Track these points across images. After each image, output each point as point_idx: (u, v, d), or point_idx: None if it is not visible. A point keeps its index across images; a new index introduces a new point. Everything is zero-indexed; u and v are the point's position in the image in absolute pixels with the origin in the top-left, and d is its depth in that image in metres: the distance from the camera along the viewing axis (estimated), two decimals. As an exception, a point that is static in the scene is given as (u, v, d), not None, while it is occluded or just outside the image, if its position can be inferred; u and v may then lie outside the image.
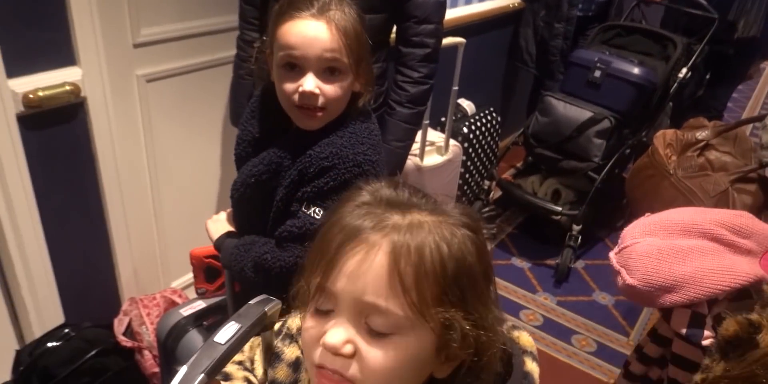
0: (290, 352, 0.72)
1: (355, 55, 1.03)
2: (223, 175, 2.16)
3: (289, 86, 1.05)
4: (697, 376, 0.77)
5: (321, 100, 1.04)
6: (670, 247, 0.84)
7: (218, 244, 1.28)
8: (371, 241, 0.54)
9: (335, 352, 0.54)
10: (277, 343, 0.74)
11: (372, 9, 1.55)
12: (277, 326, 0.75)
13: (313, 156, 1.07)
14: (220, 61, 1.94)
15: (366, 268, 0.53)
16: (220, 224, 1.32)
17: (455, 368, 0.58)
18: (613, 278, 0.87)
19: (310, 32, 1.00)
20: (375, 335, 0.54)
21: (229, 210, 1.36)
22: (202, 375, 0.58)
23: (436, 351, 0.55)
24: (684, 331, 0.85)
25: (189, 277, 2.12)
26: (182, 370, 0.59)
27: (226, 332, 0.61)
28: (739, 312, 0.75)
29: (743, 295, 0.85)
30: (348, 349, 0.54)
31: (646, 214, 0.91)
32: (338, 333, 0.54)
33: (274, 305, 0.67)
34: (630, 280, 0.83)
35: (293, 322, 0.75)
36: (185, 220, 2.04)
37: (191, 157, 2.00)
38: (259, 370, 0.77)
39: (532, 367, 0.62)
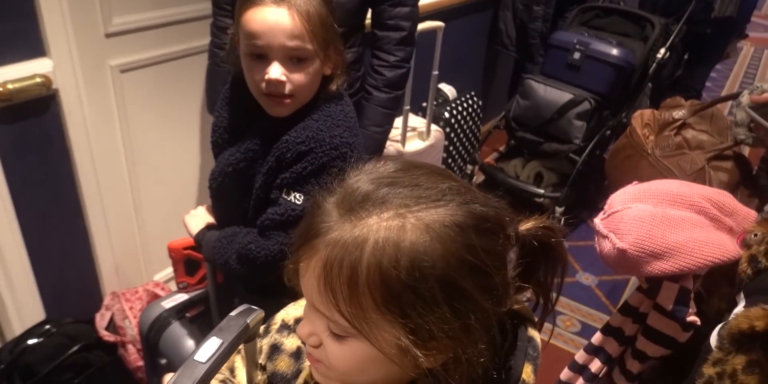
0: (290, 342, 0.72)
1: (320, 40, 1.02)
2: (202, 164, 2.13)
3: (256, 75, 1.04)
4: (710, 370, 0.75)
5: (288, 88, 1.03)
6: (663, 215, 0.82)
7: (199, 238, 1.26)
8: (314, 249, 0.53)
9: (305, 342, 0.58)
10: (274, 335, 0.73)
11: (346, -8, 1.53)
12: (271, 320, 0.75)
13: (290, 141, 1.06)
14: (196, 49, 1.90)
15: (309, 277, 0.54)
16: (198, 218, 1.31)
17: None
18: (598, 244, 0.84)
19: (270, 20, 0.99)
20: (334, 334, 0.55)
21: (207, 205, 1.35)
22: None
23: (400, 352, 0.53)
24: (670, 307, 0.84)
25: (171, 269, 2.10)
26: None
27: (207, 349, 0.59)
28: (753, 301, 0.74)
29: (714, 274, 0.85)
30: (313, 341, 0.57)
31: (634, 183, 0.89)
32: (304, 326, 0.58)
33: (256, 315, 0.64)
34: (621, 244, 0.79)
35: (288, 313, 0.75)
36: (166, 212, 2.02)
37: (169, 147, 1.97)
38: (241, 375, 0.76)
39: (533, 333, 0.62)
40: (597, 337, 0.96)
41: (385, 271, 0.50)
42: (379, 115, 1.73)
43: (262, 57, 1.02)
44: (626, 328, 0.91)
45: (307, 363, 0.69)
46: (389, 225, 0.51)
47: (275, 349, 0.72)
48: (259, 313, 0.65)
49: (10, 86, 1.43)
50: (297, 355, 0.71)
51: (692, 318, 0.85)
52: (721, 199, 0.87)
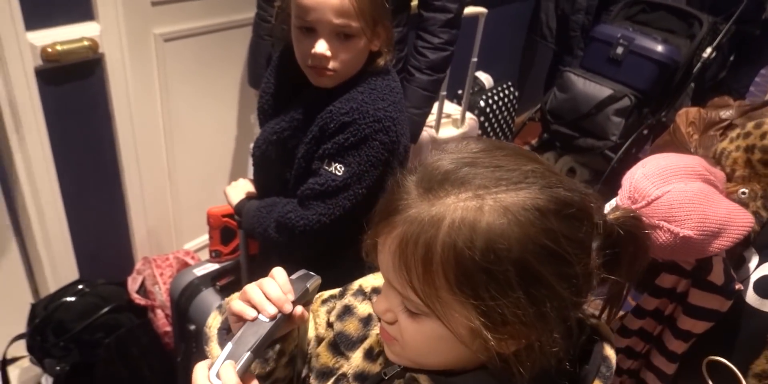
0: (363, 308, 0.73)
1: (368, 18, 1.03)
2: (238, 137, 2.15)
3: (303, 48, 1.06)
4: None
5: (332, 63, 1.06)
6: (701, 191, 0.79)
7: (239, 207, 1.28)
8: (392, 225, 0.53)
9: (381, 317, 0.59)
10: (349, 297, 0.74)
11: (394, -28, 1.52)
12: (349, 286, 0.76)
13: (334, 112, 1.07)
14: (239, 22, 1.91)
15: (385, 253, 0.54)
16: (239, 189, 1.32)
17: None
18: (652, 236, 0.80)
19: None
20: (409, 311, 0.56)
21: (248, 177, 1.36)
22: (249, 353, 0.57)
23: (473, 340, 0.53)
24: (722, 281, 0.83)
25: (202, 239, 2.13)
26: (228, 347, 0.57)
27: (270, 309, 0.60)
28: None
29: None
30: (389, 317, 0.58)
31: (640, 164, 0.85)
32: (380, 302, 0.59)
33: (315, 281, 0.66)
34: (685, 231, 0.76)
35: (366, 281, 0.76)
36: (199, 183, 2.04)
37: (207, 118, 1.99)
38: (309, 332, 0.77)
39: (610, 352, 0.60)
40: (632, 321, 0.94)
41: (459, 251, 0.49)
42: (420, 98, 1.72)
43: (311, 31, 1.04)
44: (664, 308, 0.90)
45: (374, 330, 0.70)
46: (466, 205, 0.50)
47: (347, 311, 0.73)
48: (317, 280, 0.66)
49: (59, 48, 1.45)
50: (367, 320, 0.72)
51: (738, 286, 0.85)
52: (706, 164, 0.86)
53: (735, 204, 0.83)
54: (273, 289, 0.62)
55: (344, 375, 0.69)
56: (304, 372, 0.76)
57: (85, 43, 1.50)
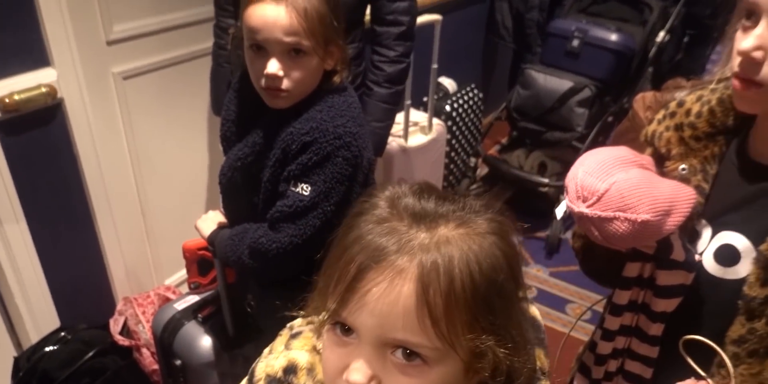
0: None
1: (318, 37, 1.05)
2: (210, 166, 2.15)
3: (256, 69, 1.07)
4: (757, 290, 0.78)
5: (285, 83, 1.07)
6: (641, 175, 0.81)
7: (211, 239, 1.29)
8: (397, 267, 0.49)
9: None
10: None
11: (343, -12, 1.54)
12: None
13: (294, 133, 1.09)
14: (198, 53, 1.92)
15: (392, 301, 0.48)
16: (209, 221, 1.33)
17: None
18: (601, 230, 0.80)
19: (269, 16, 1.02)
20: (401, 367, 0.50)
21: (218, 209, 1.37)
22: None
23: (464, 377, 0.53)
24: (684, 256, 0.84)
25: (182, 273, 2.11)
26: None
27: None
28: None
29: None
30: None
31: (577, 163, 0.85)
32: (362, 370, 0.51)
33: None
34: (642, 216, 0.77)
35: (269, 365, 0.65)
36: (174, 216, 2.03)
37: (175, 151, 1.99)
38: None
39: (533, 311, 0.63)
40: (611, 322, 0.96)
41: (475, 277, 0.49)
42: (381, 111, 1.73)
43: (262, 50, 1.06)
44: (636, 297, 0.92)
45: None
46: (460, 232, 0.51)
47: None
48: None
49: (16, 97, 1.44)
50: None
51: (698, 258, 0.87)
52: (633, 151, 0.88)
53: (674, 181, 0.85)
54: None
55: None
56: None
57: (43, 89, 1.49)
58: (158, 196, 1.96)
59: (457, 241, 0.50)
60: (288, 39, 1.03)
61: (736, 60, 0.77)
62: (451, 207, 0.53)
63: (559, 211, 1.05)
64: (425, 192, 0.55)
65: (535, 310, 0.63)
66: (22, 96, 1.45)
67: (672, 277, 0.86)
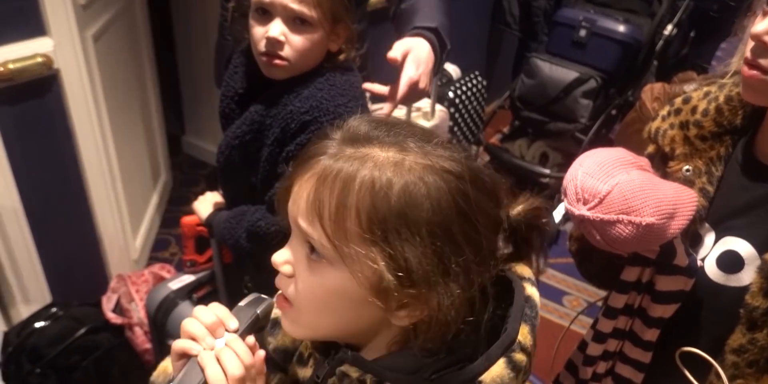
0: None
1: (326, 10, 1.01)
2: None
3: (258, 32, 1.04)
4: (759, 300, 0.75)
5: (286, 50, 1.03)
6: (643, 177, 0.79)
7: (209, 221, 1.26)
8: (310, 166, 0.54)
9: (279, 269, 0.58)
10: (276, 311, 0.70)
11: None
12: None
13: (294, 111, 1.06)
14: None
15: (299, 193, 0.54)
16: (206, 203, 1.31)
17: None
18: (604, 233, 0.77)
19: None
20: (308, 261, 0.55)
21: (216, 191, 1.34)
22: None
23: (374, 294, 0.52)
24: (686, 261, 0.82)
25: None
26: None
27: (218, 342, 0.58)
28: None
29: None
30: (286, 269, 0.57)
31: (577, 164, 0.83)
32: (282, 253, 0.58)
33: (267, 305, 0.62)
34: (647, 219, 0.74)
35: None
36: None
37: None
38: None
39: (531, 291, 0.60)
40: (605, 324, 0.93)
41: (377, 191, 0.50)
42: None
43: (266, 13, 1.02)
44: (633, 302, 0.89)
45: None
46: (390, 155, 0.52)
47: (277, 324, 0.71)
48: (269, 303, 0.63)
49: (11, 66, 1.41)
50: None
51: (700, 263, 0.84)
52: (631, 153, 0.85)
53: (676, 183, 0.83)
54: (208, 317, 0.59)
55: None
56: None
57: (39, 59, 1.46)
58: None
59: (382, 161, 0.52)
60: (295, 5, 0.99)
61: (749, 45, 0.74)
62: (414, 135, 0.54)
63: (557, 214, 1.02)
64: (390, 124, 0.56)
65: (532, 290, 0.61)
66: (17, 65, 1.42)
67: (672, 282, 0.83)
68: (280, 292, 0.59)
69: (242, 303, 0.62)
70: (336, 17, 1.04)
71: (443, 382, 0.55)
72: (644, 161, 0.86)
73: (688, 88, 1.68)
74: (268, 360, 0.69)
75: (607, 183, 0.76)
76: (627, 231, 0.75)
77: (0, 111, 1.45)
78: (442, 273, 0.52)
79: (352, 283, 0.52)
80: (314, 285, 0.55)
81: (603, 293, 0.98)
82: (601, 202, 0.76)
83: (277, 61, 1.04)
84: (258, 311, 0.61)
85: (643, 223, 0.75)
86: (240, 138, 1.14)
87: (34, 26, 1.46)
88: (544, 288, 2.36)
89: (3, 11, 1.39)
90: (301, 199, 0.54)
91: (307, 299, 0.56)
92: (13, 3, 1.40)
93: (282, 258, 0.58)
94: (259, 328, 0.62)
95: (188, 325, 0.59)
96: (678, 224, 0.78)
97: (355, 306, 0.54)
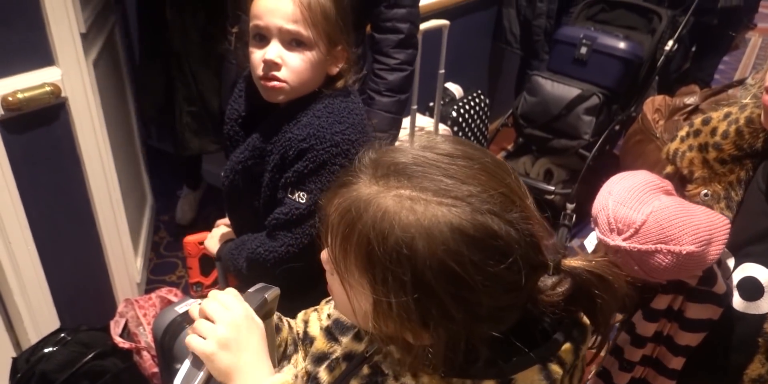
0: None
1: (321, 31, 1.03)
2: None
3: (256, 57, 1.06)
4: None
5: (283, 72, 1.05)
6: (676, 203, 0.77)
7: (219, 255, 1.28)
8: (336, 194, 0.58)
9: (324, 266, 0.64)
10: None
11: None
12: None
13: (292, 138, 1.07)
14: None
15: (327, 210, 0.60)
16: (215, 238, 1.32)
17: None
18: (643, 264, 0.76)
19: (272, 3, 1.03)
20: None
21: (220, 222, 1.36)
22: (202, 373, 0.62)
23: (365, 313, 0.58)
24: (724, 288, 0.80)
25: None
26: (184, 368, 0.60)
27: None
28: None
29: None
30: (328, 267, 0.62)
31: (606, 191, 0.82)
32: (325, 253, 0.63)
33: (273, 292, 0.68)
34: (687, 247, 0.73)
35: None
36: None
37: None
38: (314, 329, 0.84)
39: (585, 320, 0.63)
40: (633, 353, 0.91)
41: (370, 243, 0.53)
42: (384, 120, 1.69)
43: (264, 39, 1.05)
44: (662, 329, 0.88)
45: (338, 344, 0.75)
46: (399, 199, 0.53)
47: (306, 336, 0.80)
48: (275, 290, 0.69)
49: (20, 96, 1.43)
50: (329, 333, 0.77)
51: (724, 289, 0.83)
52: (654, 175, 0.84)
53: (705, 207, 0.81)
54: (225, 298, 0.68)
55: (336, 358, 0.72)
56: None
57: (47, 88, 1.48)
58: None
59: (390, 202, 0.53)
60: (289, 26, 1.02)
61: None
62: (436, 181, 0.54)
63: (589, 244, 0.99)
64: (446, 158, 0.56)
65: (586, 320, 0.63)
66: (26, 94, 1.44)
67: (702, 310, 0.82)
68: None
69: (251, 290, 0.69)
70: (332, 38, 1.06)
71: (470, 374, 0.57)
72: (668, 183, 0.84)
73: (689, 99, 1.69)
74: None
75: (641, 211, 0.75)
76: (667, 260, 0.74)
77: (9, 140, 1.46)
78: (422, 324, 0.54)
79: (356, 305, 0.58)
80: (334, 286, 0.61)
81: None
82: (636, 232, 0.75)
83: (275, 84, 1.05)
84: (266, 296, 0.68)
85: (684, 252, 0.73)
86: (243, 163, 1.15)
87: (43, 56, 1.49)
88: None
89: (12, 42, 1.41)
90: (328, 218, 0.58)
91: (334, 295, 0.63)
92: (21, 34, 1.43)
93: (324, 256, 0.63)
94: (266, 313, 0.68)
95: (207, 305, 0.69)
96: (715, 250, 0.76)
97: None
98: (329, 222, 0.57)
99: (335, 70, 1.10)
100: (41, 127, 1.55)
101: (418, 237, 0.51)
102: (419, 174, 0.54)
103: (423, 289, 0.52)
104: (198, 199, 2.61)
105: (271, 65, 1.04)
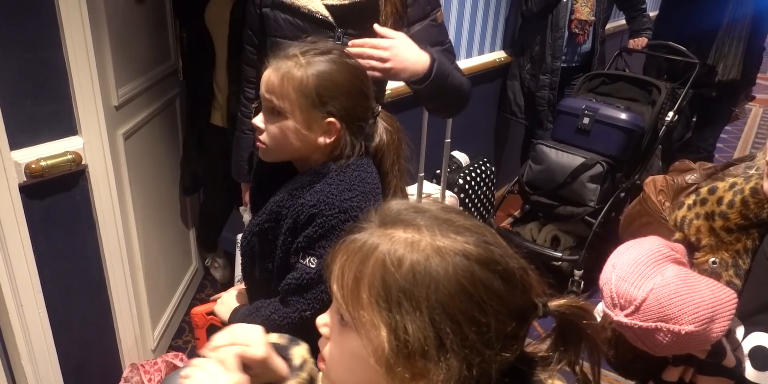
0: None
1: (293, 103, 1.10)
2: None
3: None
4: None
5: (263, 136, 1.16)
6: (678, 279, 0.77)
7: (230, 321, 1.29)
8: (345, 241, 0.62)
9: (320, 331, 0.68)
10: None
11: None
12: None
13: (304, 204, 1.11)
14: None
15: (335, 261, 0.63)
16: (225, 305, 1.33)
17: None
18: (645, 340, 0.76)
19: (265, 73, 1.14)
20: (342, 324, 0.63)
21: (230, 290, 1.38)
22: None
23: (379, 362, 0.58)
24: (735, 362, 0.80)
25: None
26: None
27: None
28: None
29: None
30: (324, 331, 0.67)
31: (610, 265, 0.82)
32: (323, 316, 0.68)
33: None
34: (686, 328, 0.73)
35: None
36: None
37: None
38: None
39: (542, 376, 0.64)
40: None
41: (387, 266, 0.57)
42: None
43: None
44: None
45: None
46: (407, 237, 0.59)
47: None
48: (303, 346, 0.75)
49: (42, 163, 1.48)
50: None
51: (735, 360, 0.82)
52: (664, 241, 0.85)
53: (711, 279, 0.81)
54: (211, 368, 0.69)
55: None
56: None
57: (69, 156, 1.53)
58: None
59: (400, 240, 0.59)
60: (266, 95, 1.13)
61: None
62: (436, 221, 0.61)
63: (598, 314, 1.01)
64: (441, 210, 0.63)
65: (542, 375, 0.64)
66: (49, 162, 1.49)
67: (715, 383, 0.81)
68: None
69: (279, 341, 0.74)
70: (309, 111, 1.10)
71: None
72: (678, 249, 0.85)
73: (690, 178, 1.71)
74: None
75: (642, 288, 0.75)
76: (667, 339, 0.74)
77: (29, 204, 1.51)
78: (438, 347, 0.56)
79: (366, 350, 0.59)
80: (340, 347, 0.63)
81: (624, 380, 0.95)
82: (637, 309, 0.75)
83: (258, 144, 1.18)
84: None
85: (683, 332, 0.73)
86: (260, 226, 1.20)
87: (67, 126, 1.55)
88: (564, 374, 2.29)
89: (40, 114, 1.48)
90: (335, 266, 0.62)
91: (334, 359, 0.65)
92: (48, 106, 1.50)
93: (322, 321, 0.67)
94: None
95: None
96: (719, 327, 0.76)
97: (373, 370, 0.59)
98: (336, 272, 0.61)
99: (326, 141, 1.13)
100: (60, 192, 1.60)
101: (432, 258, 0.57)
102: (418, 218, 0.61)
103: (439, 307, 0.56)
104: (222, 254, 2.64)
105: (256, 129, 1.17)
